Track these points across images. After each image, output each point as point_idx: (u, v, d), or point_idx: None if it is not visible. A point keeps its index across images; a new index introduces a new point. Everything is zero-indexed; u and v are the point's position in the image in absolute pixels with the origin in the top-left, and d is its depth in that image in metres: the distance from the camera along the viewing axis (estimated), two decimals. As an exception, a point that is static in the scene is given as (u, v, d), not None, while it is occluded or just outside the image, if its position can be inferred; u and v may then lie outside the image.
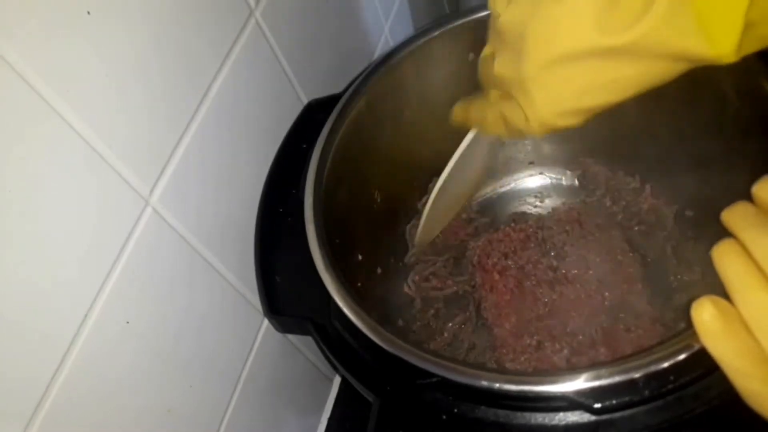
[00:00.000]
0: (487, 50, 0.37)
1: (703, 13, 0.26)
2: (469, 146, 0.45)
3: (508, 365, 0.49)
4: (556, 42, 0.30)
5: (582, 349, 0.48)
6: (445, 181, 0.47)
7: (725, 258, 0.26)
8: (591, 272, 0.52)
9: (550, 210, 0.58)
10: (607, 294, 0.50)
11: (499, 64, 0.34)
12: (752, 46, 0.27)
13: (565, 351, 0.49)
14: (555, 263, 0.53)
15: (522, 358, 0.49)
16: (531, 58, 0.31)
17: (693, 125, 0.47)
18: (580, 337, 0.49)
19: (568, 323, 0.50)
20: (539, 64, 0.31)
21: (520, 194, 0.61)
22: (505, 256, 0.55)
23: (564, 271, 0.52)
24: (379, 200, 0.53)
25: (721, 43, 0.26)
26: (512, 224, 0.57)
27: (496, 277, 0.54)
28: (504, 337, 0.51)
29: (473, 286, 0.55)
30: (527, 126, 0.34)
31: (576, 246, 0.53)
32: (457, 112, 0.44)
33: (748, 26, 0.26)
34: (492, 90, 0.38)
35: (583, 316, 0.50)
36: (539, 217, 0.58)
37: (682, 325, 0.41)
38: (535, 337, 0.50)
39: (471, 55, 0.51)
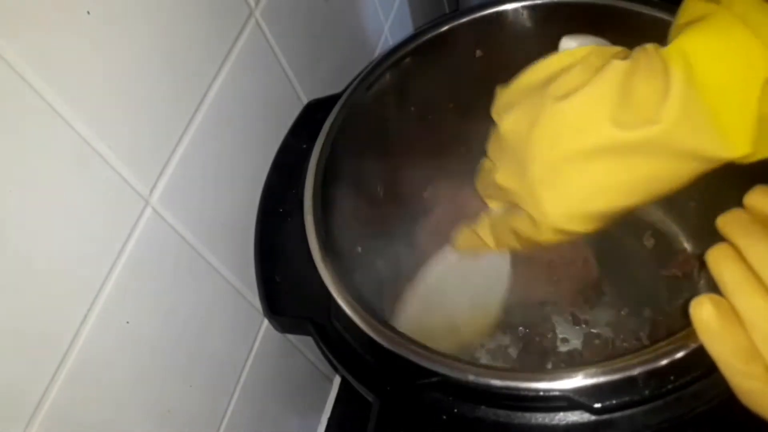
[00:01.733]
0: (486, 164, 0.36)
1: (715, 107, 0.26)
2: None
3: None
4: (568, 138, 0.29)
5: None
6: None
7: (721, 262, 0.26)
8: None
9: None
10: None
11: (501, 174, 0.33)
12: None
13: None
14: None
15: None
16: (538, 159, 0.30)
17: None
18: None
19: None
20: (547, 165, 0.30)
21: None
22: None
23: None
24: (381, 194, 0.53)
25: (736, 137, 0.27)
26: None
27: None
28: None
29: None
30: (538, 233, 0.33)
31: None
32: (462, 240, 0.43)
33: (762, 120, 0.26)
34: (495, 204, 0.37)
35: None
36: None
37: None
38: None
39: (478, 52, 0.51)
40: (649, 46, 0.29)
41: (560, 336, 0.51)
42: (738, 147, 0.27)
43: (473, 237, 0.41)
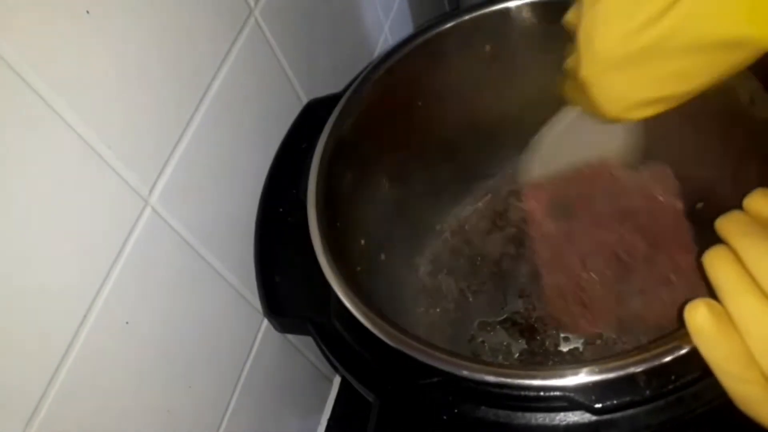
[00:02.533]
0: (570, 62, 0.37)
1: None
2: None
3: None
4: (605, 42, 0.31)
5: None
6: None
7: (717, 264, 0.26)
8: None
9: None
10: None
11: (574, 63, 0.35)
12: None
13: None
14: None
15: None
16: (589, 60, 0.32)
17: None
18: None
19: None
20: (601, 65, 0.32)
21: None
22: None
23: None
24: (387, 186, 0.53)
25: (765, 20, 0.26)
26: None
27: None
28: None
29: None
30: (604, 117, 0.35)
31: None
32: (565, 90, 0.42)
33: None
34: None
35: None
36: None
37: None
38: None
39: (488, 47, 0.51)
40: None
41: (562, 335, 0.51)
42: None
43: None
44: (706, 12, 0.27)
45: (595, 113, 0.36)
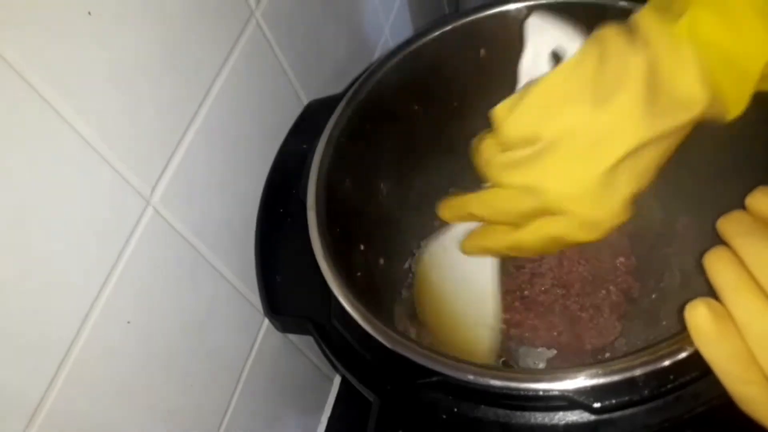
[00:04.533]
0: (509, 193, 0.34)
1: (726, 93, 0.29)
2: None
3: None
4: (614, 146, 0.30)
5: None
6: None
7: (717, 265, 0.26)
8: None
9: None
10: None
11: (546, 185, 0.32)
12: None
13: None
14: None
15: None
16: (591, 167, 0.31)
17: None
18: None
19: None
20: (602, 171, 0.31)
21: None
22: None
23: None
24: (385, 192, 0.53)
25: (736, 110, 0.30)
26: None
27: None
28: None
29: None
30: (588, 234, 0.33)
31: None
32: (470, 247, 0.40)
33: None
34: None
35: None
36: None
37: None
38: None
39: (482, 51, 0.51)
40: (653, 29, 0.30)
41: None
42: (735, 113, 0.30)
43: (480, 243, 0.39)
44: (714, 101, 0.29)
45: (567, 238, 0.33)
